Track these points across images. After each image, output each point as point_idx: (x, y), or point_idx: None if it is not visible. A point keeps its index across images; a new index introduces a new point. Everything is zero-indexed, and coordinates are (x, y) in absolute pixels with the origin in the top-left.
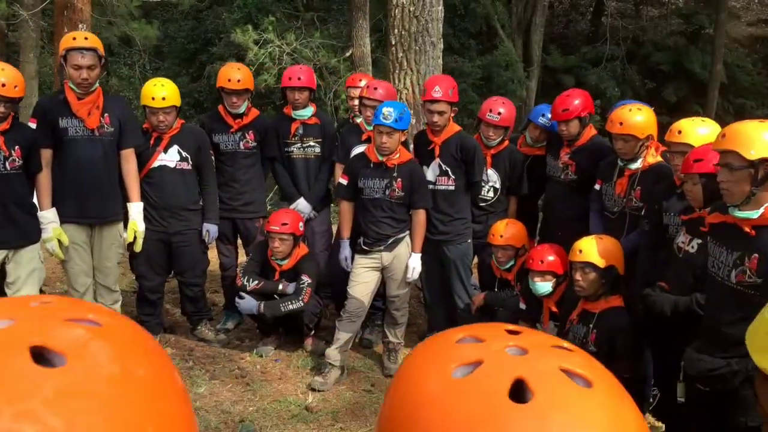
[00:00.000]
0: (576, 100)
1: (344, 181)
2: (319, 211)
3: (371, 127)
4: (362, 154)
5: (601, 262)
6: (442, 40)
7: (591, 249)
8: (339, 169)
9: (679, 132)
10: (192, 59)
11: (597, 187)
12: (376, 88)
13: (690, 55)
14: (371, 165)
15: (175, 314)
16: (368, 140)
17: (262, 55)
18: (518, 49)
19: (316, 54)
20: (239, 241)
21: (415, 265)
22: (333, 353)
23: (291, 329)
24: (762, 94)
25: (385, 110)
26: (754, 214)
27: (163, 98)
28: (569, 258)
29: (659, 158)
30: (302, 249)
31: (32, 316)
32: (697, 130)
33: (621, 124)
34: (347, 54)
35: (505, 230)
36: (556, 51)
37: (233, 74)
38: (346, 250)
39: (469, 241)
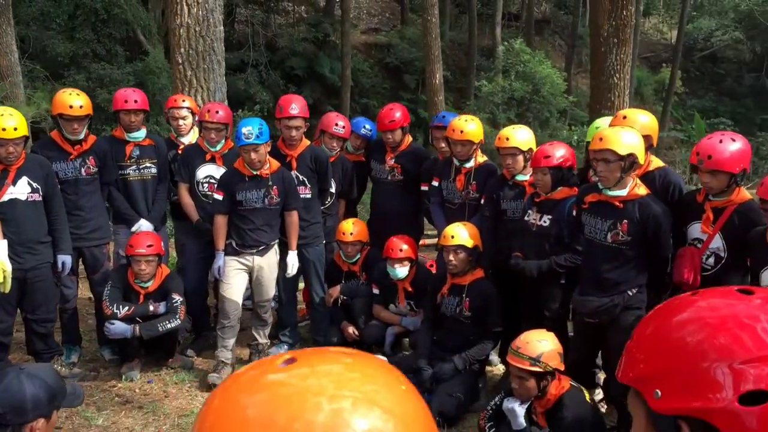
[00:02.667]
0: (398, 112)
1: (219, 197)
2: (158, 231)
3: (215, 148)
4: (234, 170)
5: (469, 243)
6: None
7: (460, 234)
8: (183, 188)
9: (507, 138)
10: None
11: (435, 183)
12: (217, 111)
13: (320, 60)
14: (246, 179)
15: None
16: (212, 160)
17: None
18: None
19: None
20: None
21: (293, 261)
22: (223, 353)
23: (158, 349)
24: (381, 94)
25: (245, 130)
26: (623, 192)
27: (15, 129)
28: (441, 243)
29: (485, 158)
30: (164, 269)
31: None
32: (518, 135)
33: (462, 132)
34: None
35: (353, 228)
36: None
37: (73, 101)
38: (220, 260)
39: (324, 242)
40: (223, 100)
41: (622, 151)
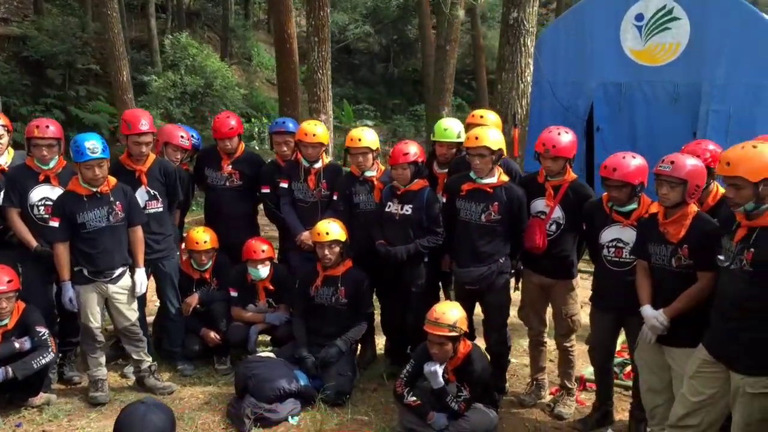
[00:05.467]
0: (233, 120)
1: (56, 224)
2: None
3: (48, 166)
4: (68, 193)
5: (343, 237)
6: None
7: (334, 230)
8: (13, 213)
9: (359, 139)
10: None
11: (284, 185)
12: (48, 126)
13: None
14: (85, 199)
15: None
16: (47, 180)
17: None
18: None
19: None
20: None
21: (142, 279)
22: (98, 371)
23: (24, 387)
24: (22, 91)
25: (89, 144)
26: (493, 180)
27: None
28: (316, 240)
29: (330, 157)
30: (20, 303)
31: None
32: (368, 136)
33: (314, 135)
34: None
35: (206, 237)
36: None
37: None
38: (69, 292)
39: (178, 253)
40: None
41: (494, 147)
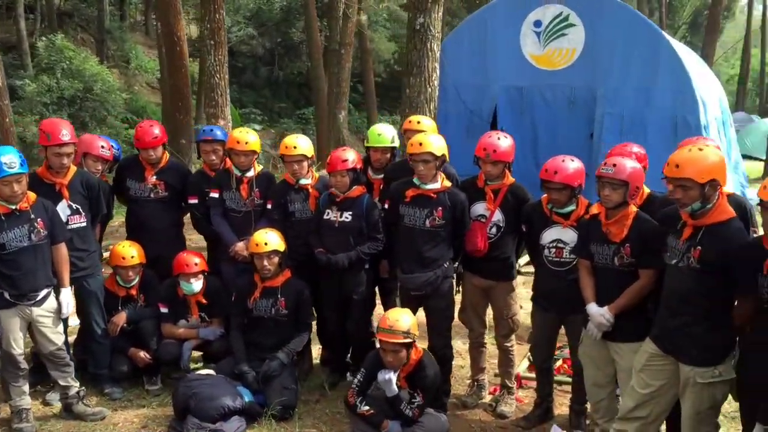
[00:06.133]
0: (157, 128)
1: None
2: None
3: None
4: None
5: (281, 247)
6: None
7: (272, 240)
8: None
9: (295, 147)
10: None
11: (215, 195)
12: None
13: None
14: (3, 217)
15: None
16: None
17: None
18: None
19: None
20: None
21: (68, 300)
22: (22, 400)
23: None
24: None
25: (6, 159)
26: (437, 185)
27: None
28: (254, 251)
29: (260, 166)
30: None
31: None
32: (302, 144)
33: (246, 143)
34: None
35: (132, 251)
36: None
37: None
38: None
39: (103, 270)
40: None
41: (438, 153)
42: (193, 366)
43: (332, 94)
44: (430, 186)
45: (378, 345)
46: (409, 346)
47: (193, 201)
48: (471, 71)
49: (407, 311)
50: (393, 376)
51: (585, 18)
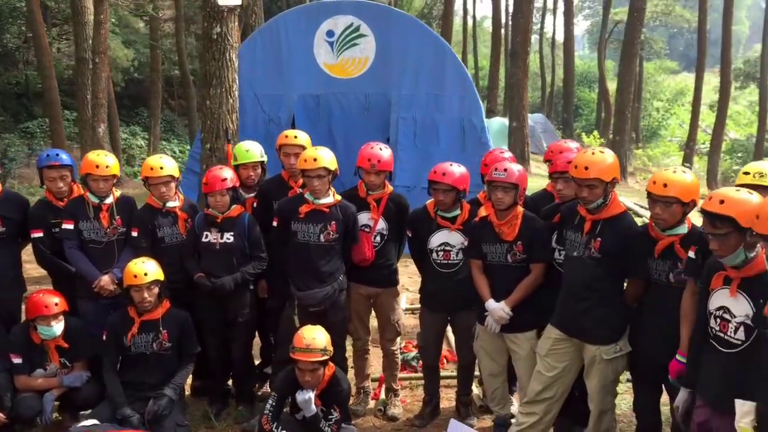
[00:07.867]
0: None
1: None
2: None
3: None
4: None
5: (161, 276)
6: None
7: (151, 270)
8: None
9: (162, 168)
10: None
11: (69, 226)
12: None
13: None
14: None
15: None
16: None
17: None
18: None
19: None
20: None
21: None
22: None
23: None
24: None
25: None
26: (330, 199)
27: None
28: (131, 283)
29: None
30: None
31: None
32: (167, 165)
33: (107, 167)
34: None
35: None
36: None
37: None
38: None
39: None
40: None
41: (332, 167)
42: (56, 417)
43: (91, 106)
44: (323, 201)
45: (268, 369)
46: (325, 364)
47: (38, 234)
48: (267, 80)
49: (320, 328)
50: (312, 395)
51: (375, 29)
